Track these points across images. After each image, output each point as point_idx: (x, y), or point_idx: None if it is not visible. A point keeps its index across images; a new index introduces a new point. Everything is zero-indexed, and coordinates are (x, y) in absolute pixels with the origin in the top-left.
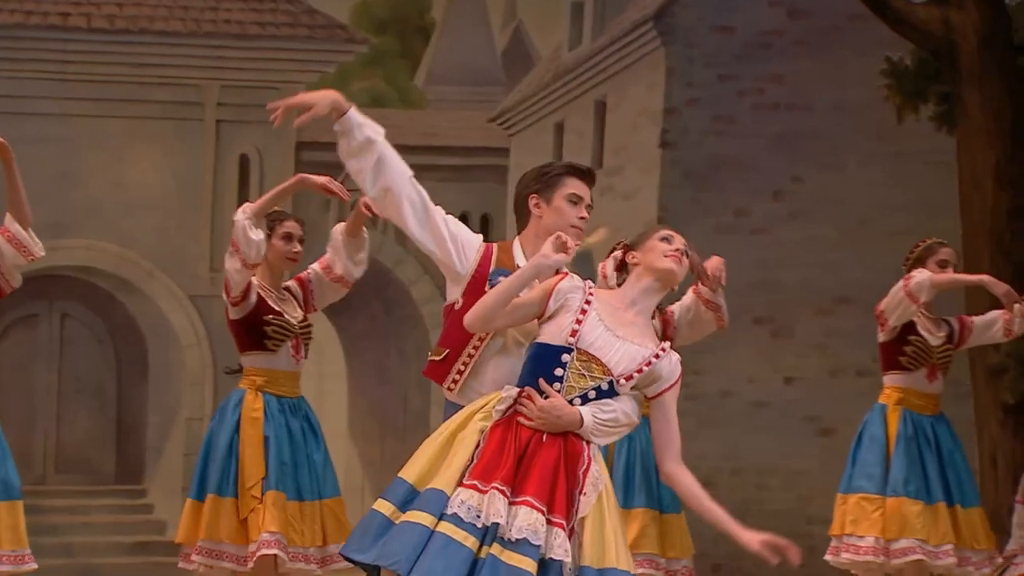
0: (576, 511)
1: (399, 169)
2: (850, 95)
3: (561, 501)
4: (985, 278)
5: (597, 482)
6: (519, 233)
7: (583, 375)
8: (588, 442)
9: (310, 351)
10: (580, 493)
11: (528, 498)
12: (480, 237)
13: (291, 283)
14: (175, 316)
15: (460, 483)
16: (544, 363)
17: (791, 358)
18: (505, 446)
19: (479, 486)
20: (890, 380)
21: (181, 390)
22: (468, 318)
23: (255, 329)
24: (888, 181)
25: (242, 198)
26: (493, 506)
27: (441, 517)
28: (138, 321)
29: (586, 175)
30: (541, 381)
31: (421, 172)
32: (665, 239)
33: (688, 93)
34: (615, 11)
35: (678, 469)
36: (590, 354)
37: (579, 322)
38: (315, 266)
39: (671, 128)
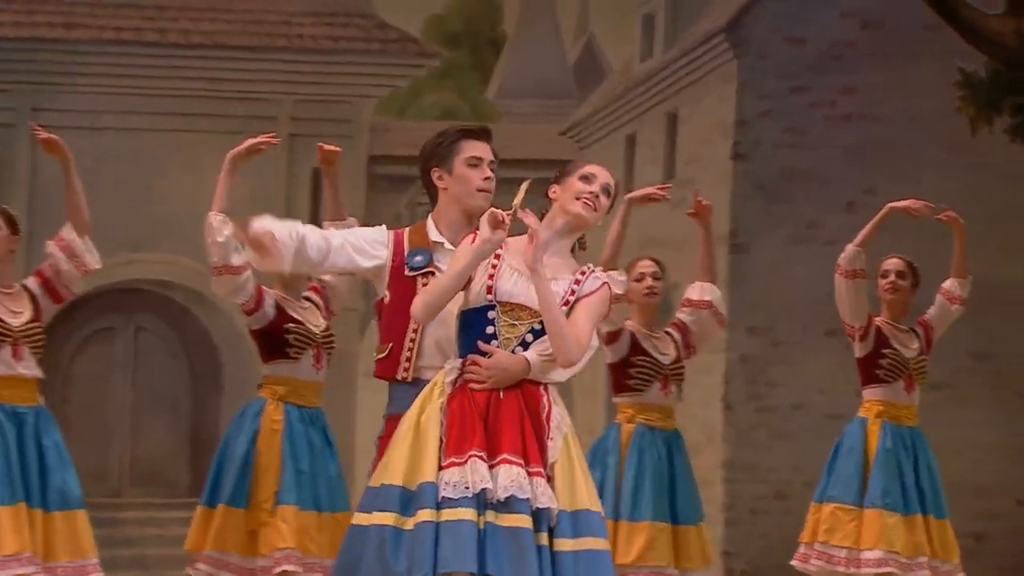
0: (547, 457)
1: (304, 241)
2: (923, 106)
3: (534, 450)
4: (891, 205)
5: (561, 424)
6: (432, 211)
7: (513, 324)
8: (545, 386)
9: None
10: (548, 439)
11: (504, 455)
12: (382, 228)
13: (310, 292)
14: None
15: (440, 466)
16: (475, 327)
17: None
18: (466, 414)
19: (456, 460)
20: (870, 394)
21: None
22: (415, 310)
23: (276, 338)
24: (962, 193)
25: (315, 211)
26: (477, 473)
27: (438, 507)
28: (212, 334)
29: (481, 134)
30: (479, 343)
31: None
32: (585, 178)
33: (760, 105)
34: (687, 23)
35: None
36: (512, 303)
37: (491, 277)
38: None
39: (743, 140)
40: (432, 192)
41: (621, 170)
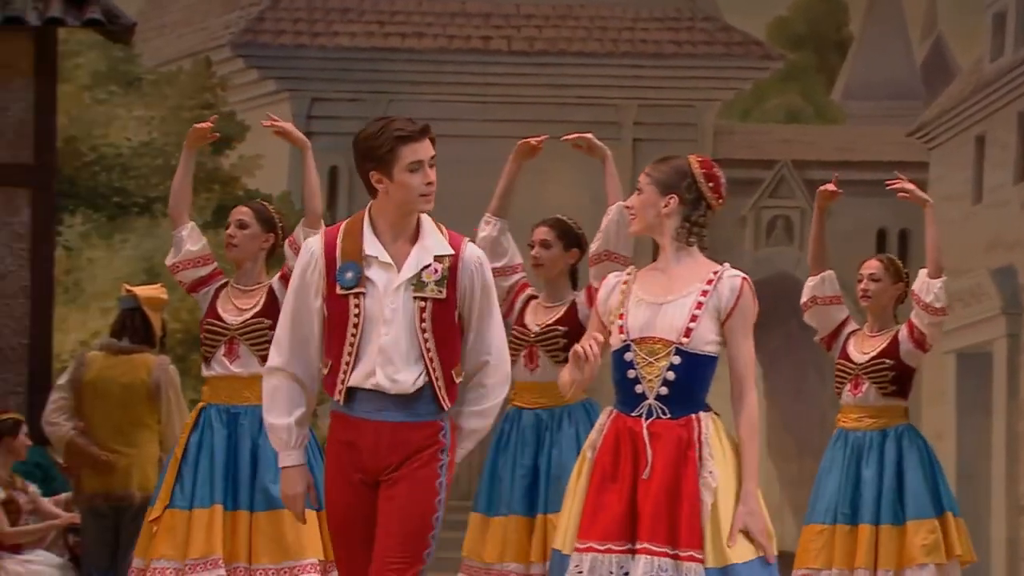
0: (702, 517)
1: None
2: None
3: (683, 527)
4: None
5: (709, 481)
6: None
7: (650, 362)
8: (697, 417)
9: None
10: (703, 474)
11: (645, 543)
12: (306, 247)
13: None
14: None
15: (577, 538)
16: (617, 370)
17: None
18: (603, 482)
19: (579, 547)
20: None
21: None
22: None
23: None
24: None
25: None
26: (594, 571)
27: None
28: None
29: (416, 135)
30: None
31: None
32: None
33: None
34: None
35: (736, 405)
36: (643, 337)
37: (622, 316)
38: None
39: None
40: (369, 188)
41: (970, 172)
